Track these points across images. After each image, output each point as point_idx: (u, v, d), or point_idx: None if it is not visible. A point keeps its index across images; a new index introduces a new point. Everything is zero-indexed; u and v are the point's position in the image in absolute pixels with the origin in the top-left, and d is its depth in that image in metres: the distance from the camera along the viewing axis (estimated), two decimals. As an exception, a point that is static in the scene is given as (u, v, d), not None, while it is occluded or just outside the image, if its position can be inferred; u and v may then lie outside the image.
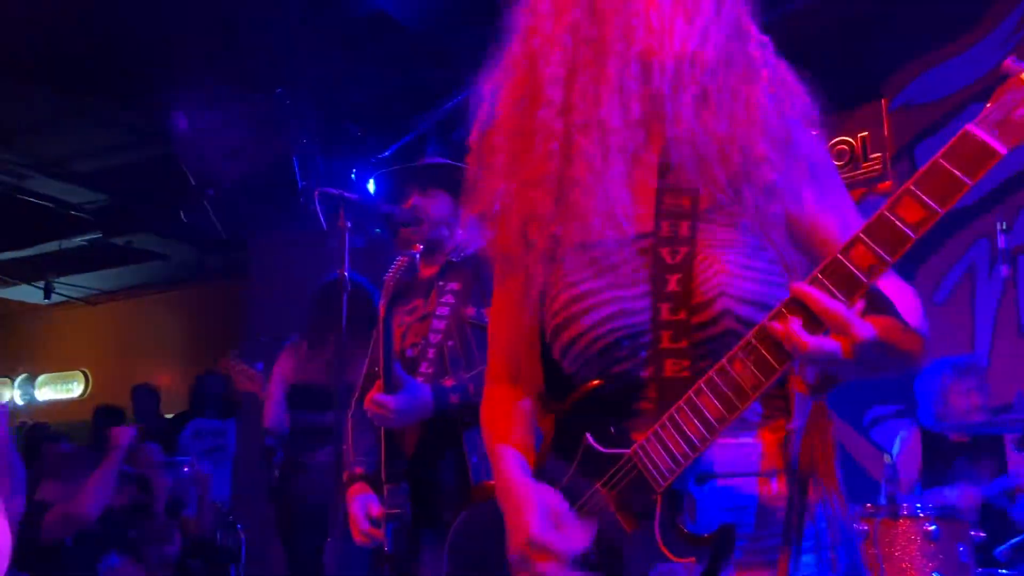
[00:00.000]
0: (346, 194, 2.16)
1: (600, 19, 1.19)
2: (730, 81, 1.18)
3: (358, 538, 2.12)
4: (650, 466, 1.07)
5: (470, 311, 2.15)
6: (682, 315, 1.10)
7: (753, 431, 1.15)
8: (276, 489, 3.96)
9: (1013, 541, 2.82)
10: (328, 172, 4.97)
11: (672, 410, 1.06)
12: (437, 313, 2.17)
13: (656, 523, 1.06)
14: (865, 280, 0.95)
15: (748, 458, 1.13)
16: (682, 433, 1.04)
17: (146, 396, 6.50)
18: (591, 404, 1.15)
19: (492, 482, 1.26)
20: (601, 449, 1.12)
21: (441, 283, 2.22)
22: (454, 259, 2.27)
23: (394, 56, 4.77)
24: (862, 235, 0.96)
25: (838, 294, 0.95)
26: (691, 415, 1.04)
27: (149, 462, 4.39)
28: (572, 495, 1.15)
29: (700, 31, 1.16)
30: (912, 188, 0.95)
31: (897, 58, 4.62)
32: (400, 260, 2.00)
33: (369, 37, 4.65)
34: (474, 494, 1.37)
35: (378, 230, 5.76)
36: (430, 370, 2.13)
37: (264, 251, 6.39)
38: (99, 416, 6.17)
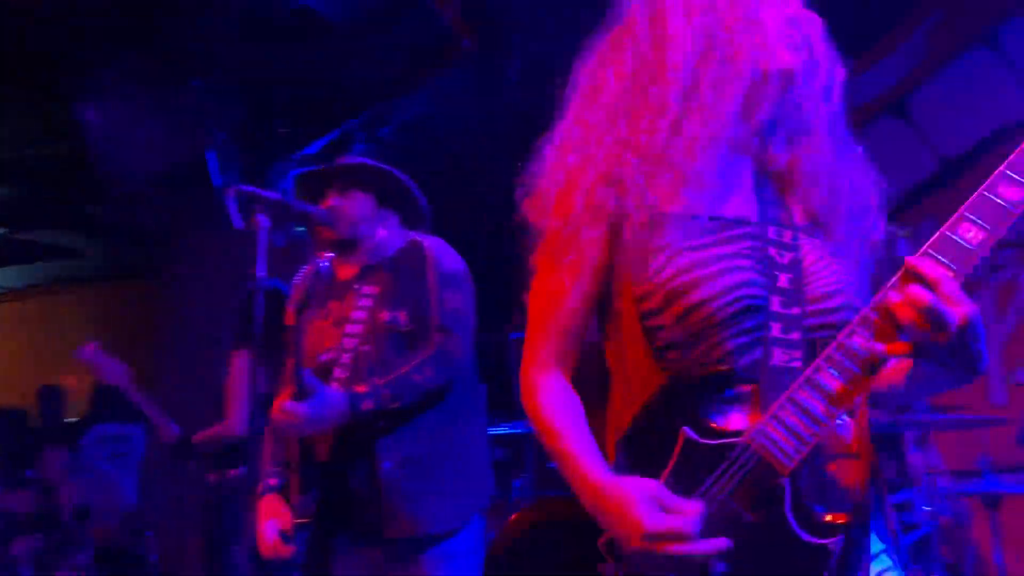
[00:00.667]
0: (262, 192, 2.11)
1: (740, 25, 1.24)
2: (840, 113, 1.29)
3: (266, 553, 2.07)
4: (774, 449, 1.06)
5: (385, 316, 2.12)
6: (795, 310, 1.14)
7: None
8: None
9: (913, 536, 2.95)
10: (248, 169, 4.86)
11: (790, 391, 1.07)
12: (352, 317, 2.14)
13: (787, 507, 1.05)
14: (974, 249, 1.02)
15: (845, 438, 1.16)
16: (805, 411, 1.05)
17: (51, 398, 6.24)
18: (683, 390, 1.13)
19: (545, 498, 1.20)
20: (706, 441, 1.10)
21: (357, 286, 2.20)
22: (372, 262, 2.24)
23: (318, 52, 4.70)
24: (966, 213, 1.03)
25: (950, 264, 1.02)
26: (812, 392, 1.05)
27: (54, 468, 4.22)
28: (675, 491, 1.10)
29: (832, 60, 1.28)
30: (1007, 171, 1.04)
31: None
32: (308, 268, 1.96)
33: (293, 32, 4.57)
34: (526, 515, 1.24)
35: (300, 228, 5.68)
36: (344, 375, 2.09)
37: (181, 250, 6.21)
38: (-1, 419, 5.90)
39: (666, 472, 1.11)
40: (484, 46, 4.83)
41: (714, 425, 1.11)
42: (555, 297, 1.27)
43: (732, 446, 1.09)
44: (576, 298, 1.25)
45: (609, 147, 1.24)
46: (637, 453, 1.14)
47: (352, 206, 2.27)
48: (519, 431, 4.61)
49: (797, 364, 1.11)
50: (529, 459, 4.23)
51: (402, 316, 2.11)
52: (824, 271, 1.19)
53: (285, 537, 2.06)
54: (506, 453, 4.12)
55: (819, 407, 1.05)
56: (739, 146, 1.25)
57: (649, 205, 1.19)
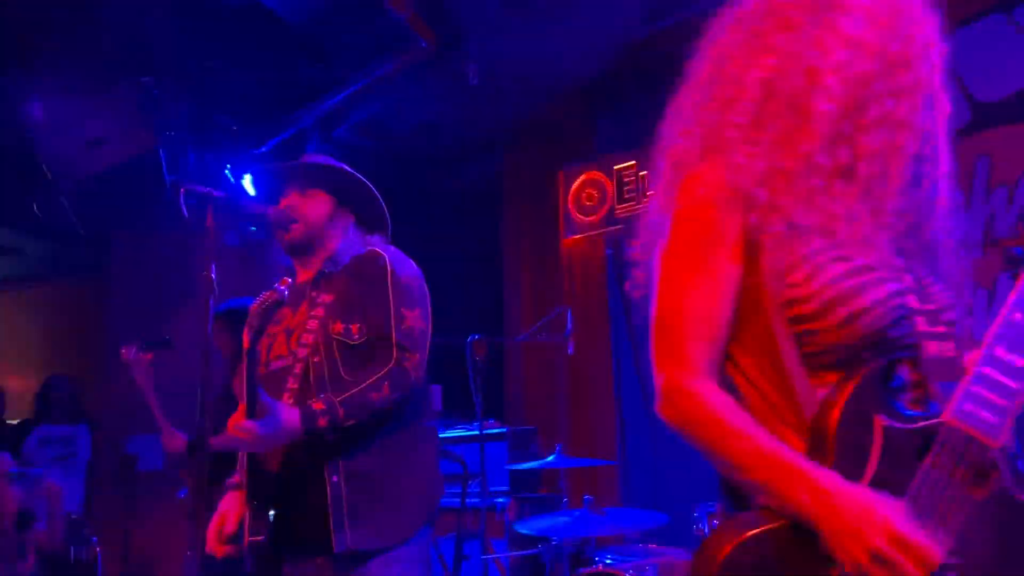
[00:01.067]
0: (214, 192, 2.07)
1: (916, 50, 1.26)
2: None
3: (209, 550, 2.05)
4: (980, 425, 1.07)
5: (338, 327, 2.09)
6: (931, 306, 1.19)
7: None
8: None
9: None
10: (199, 167, 4.78)
11: (977, 367, 1.09)
12: (307, 327, 2.12)
13: (1006, 478, 1.08)
14: None
15: None
16: (997, 385, 1.08)
17: (-8, 400, 6.04)
18: (864, 385, 1.12)
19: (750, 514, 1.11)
20: (905, 426, 1.09)
21: (314, 293, 2.17)
22: (327, 268, 2.21)
23: (271, 49, 4.64)
24: None
25: None
26: (997, 367, 1.08)
27: (-5, 472, 4.11)
28: (889, 486, 1.08)
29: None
30: None
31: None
32: (267, 294, 1.93)
33: (245, 27, 4.50)
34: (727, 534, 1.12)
35: (253, 228, 5.60)
36: (295, 386, 2.07)
37: (127, 249, 6.08)
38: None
39: (872, 464, 1.09)
40: (442, 47, 4.81)
41: (903, 412, 1.12)
42: (706, 305, 1.21)
43: (934, 428, 1.09)
44: (727, 307, 1.21)
45: (753, 153, 1.22)
46: (838, 452, 1.10)
47: (312, 207, 2.24)
48: (474, 432, 4.63)
49: (951, 354, 1.16)
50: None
51: (354, 328, 2.08)
52: (935, 286, 1.24)
53: (228, 538, 2.05)
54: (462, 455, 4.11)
55: (1009, 381, 1.08)
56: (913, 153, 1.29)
57: (788, 215, 1.19)
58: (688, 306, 1.22)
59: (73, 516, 4.69)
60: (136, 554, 4.76)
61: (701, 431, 1.17)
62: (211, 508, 3.77)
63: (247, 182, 4.72)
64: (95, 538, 4.62)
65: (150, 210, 5.19)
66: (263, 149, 5.24)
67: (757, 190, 1.20)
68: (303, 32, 4.56)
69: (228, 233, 5.07)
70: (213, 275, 2.07)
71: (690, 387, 1.19)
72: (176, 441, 3.92)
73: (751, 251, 1.20)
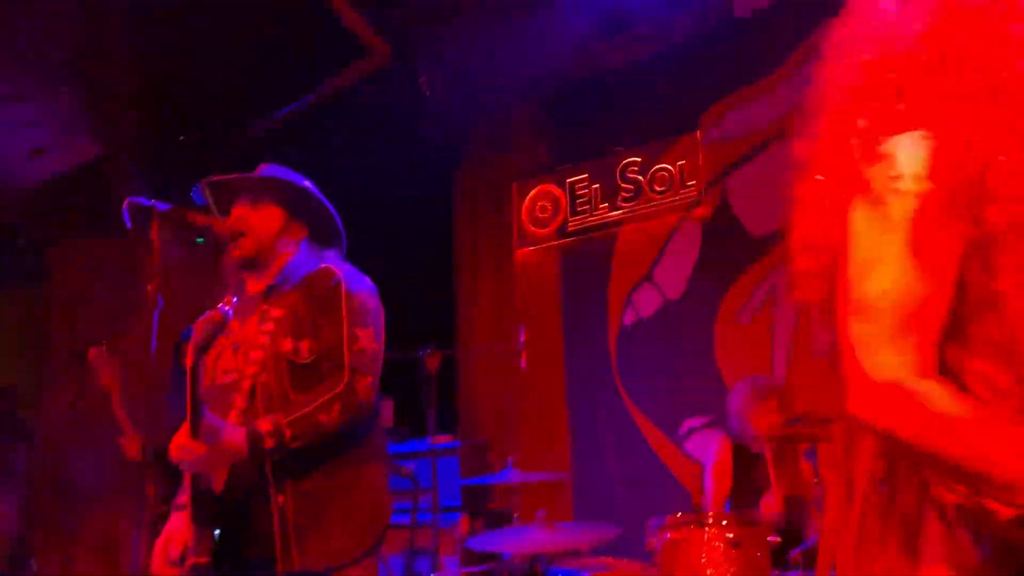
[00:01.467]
0: (158, 205, 2.03)
1: None
2: None
3: (155, 572, 2.00)
4: None
5: (287, 345, 2.06)
6: None
7: None
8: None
9: (804, 545, 3.08)
10: (146, 176, 4.68)
11: None
12: (257, 342, 2.08)
13: None
14: None
15: None
16: None
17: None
18: None
19: None
20: None
21: (264, 307, 2.13)
22: (278, 283, 2.17)
23: (222, 59, 4.58)
24: None
25: None
26: None
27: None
28: None
29: None
30: None
31: (712, 94, 4.97)
32: (211, 313, 1.89)
33: (195, 38, 4.43)
34: None
35: (200, 240, 5.50)
36: (243, 404, 2.03)
37: (68, 258, 5.91)
38: None
39: None
40: (394, 58, 4.80)
41: None
42: (927, 304, 1.08)
43: None
44: (945, 309, 1.09)
45: (980, 132, 1.07)
46: None
47: (261, 219, 2.20)
48: (425, 448, 4.59)
49: None
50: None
51: (304, 347, 2.05)
52: None
53: (172, 563, 2.00)
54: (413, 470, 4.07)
55: None
56: None
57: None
58: (898, 302, 1.08)
59: (8, 536, 4.53)
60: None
61: (929, 430, 1.06)
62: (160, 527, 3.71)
63: (194, 192, 4.63)
64: (32, 559, 4.47)
65: (96, 218, 5.08)
66: (212, 160, 5.15)
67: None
68: (255, 42, 4.50)
69: (174, 245, 4.96)
70: (161, 288, 2.03)
71: (921, 386, 1.06)
72: (135, 447, 3.81)
73: (982, 241, 1.07)
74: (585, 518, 4.63)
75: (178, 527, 2.08)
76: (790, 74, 4.67)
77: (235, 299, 1.99)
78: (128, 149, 4.60)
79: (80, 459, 3.98)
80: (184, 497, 2.13)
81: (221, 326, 1.88)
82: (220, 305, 1.88)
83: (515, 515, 3.76)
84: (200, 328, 1.85)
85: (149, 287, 1.95)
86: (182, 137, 5.00)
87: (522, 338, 4.39)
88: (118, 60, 4.37)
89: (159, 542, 2.05)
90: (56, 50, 4.14)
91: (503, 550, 3.43)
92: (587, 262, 5.38)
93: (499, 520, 4.42)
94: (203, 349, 1.89)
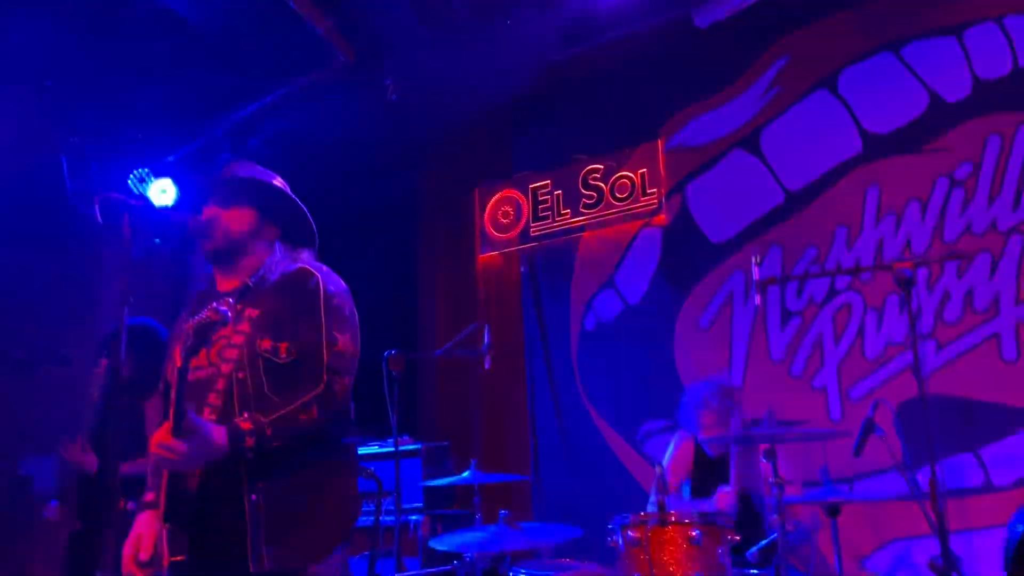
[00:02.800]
0: (131, 200, 2.01)
1: None
2: None
3: (125, 571, 1.98)
4: None
5: (266, 344, 2.05)
6: None
7: None
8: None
9: (762, 543, 3.15)
10: (101, 175, 4.60)
11: None
12: (232, 341, 2.07)
13: None
14: None
15: None
16: None
17: None
18: None
19: None
20: None
21: (239, 307, 2.11)
22: (252, 282, 2.17)
23: (183, 57, 4.52)
24: None
25: None
26: None
27: None
28: None
29: None
30: None
31: (672, 104, 5.07)
32: (208, 313, 1.84)
33: (153, 33, 4.37)
34: None
35: (157, 240, 5.41)
36: (219, 402, 2.02)
37: (18, 262, 5.74)
38: None
39: None
40: (359, 61, 4.80)
41: None
42: None
43: None
44: None
45: None
46: None
47: (233, 220, 2.20)
48: (389, 449, 4.58)
49: None
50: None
51: (283, 347, 2.05)
52: None
53: (142, 564, 1.98)
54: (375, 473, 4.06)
55: None
56: None
57: None
58: None
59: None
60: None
61: None
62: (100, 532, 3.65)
63: (152, 191, 4.57)
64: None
65: (44, 219, 4.96)
66: (171, 158, 5.09)
67: None
68: (217, 43, 4.47)
69: (132, 244, 4.88)
70: (126, 283, 2.01)
71: None
72: (89, 459, 3.76)
73: None
74: (546, 519, 4.67)
75: (146, 527, 2.05)
76: (749, 84, 4.79)
77: (231, 300, 1.97)
78: (84, 146, 4.51)
79: (32, 464, 3.90)
80: (151, 496, 2.11)
81: (222, 326, 1.86)
82: (215, 305, 1.85)
83: (477, 516, 3.77)
84: (193, 328, 1.83)
85: (119, 282, 1.93)
86: (140, 136, 4.93)
87: (487, 339, 4.41)
88: (76, 57, 4.29)
89: (128, 543, 2.02)
90: (9, 44, 4.06)
91: (466, 551, 3.45)
92: (549, 267, 5.44)
93: (461, 522, 4.43)
94: (195, 350, 1.86)
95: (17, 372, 4.12)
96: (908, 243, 4.20)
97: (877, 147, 4.36)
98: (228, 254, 2.19)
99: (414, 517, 4.52)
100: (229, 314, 1.85)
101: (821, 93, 4.57)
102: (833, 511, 3.04)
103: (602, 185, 5.26)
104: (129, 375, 3.95)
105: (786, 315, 4.49)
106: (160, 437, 1.85)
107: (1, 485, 4.61)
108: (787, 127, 4.65)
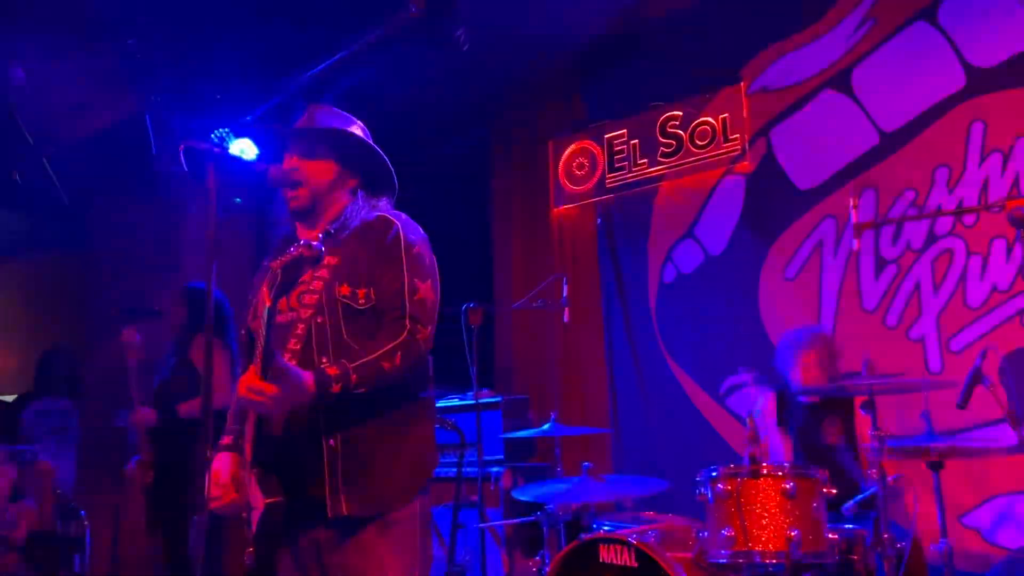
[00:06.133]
0: (215, 148, 2.00)
1: None
2: None
3: (210, 504, 2.02)
4: None
5: (344, 290, 2.04)
6: None
7: None
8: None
9: (857, 498, 3.05)
10: (185, 134, 4.67)
11: None
12: (311, 287, 2.06)
13: None
14: None
15: None
16: None
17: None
18: None
19: None
20: None
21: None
22: (333, 229, 2.15)
23: (256, 13, 4.53)
24: None
25: None
26: None
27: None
28: None
29: None
30: None
31: (754, 44, 4.84)
32: (297, 250, 1.80)
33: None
34: None
35: (238, 200, 5.50)
36: (297, 346, 2.02)
37: (106, 219, 5.93)
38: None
39: None
40: (431, 12, 4.72)
41: None
42: None
43: None
44: None
45: None
46: None
47: (314, 171, 2.18)
48: (468, 402, 4.60)
49: None
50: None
51: (361, 293, 2.04)
52: None
53: (224, 487, 2.03)
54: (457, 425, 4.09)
55: None
56: None
57: None
58: None
59: (63, 492, 4.63)
60: (127, 528, 4.71)
61: None
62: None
63: (236, 148, 4.62)
64: (84, 512, 4.57)
65: (134, 179, 5.08)
66: (249, 117, 5.13)
67: None
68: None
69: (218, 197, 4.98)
70: (216, 235, 2.01)
71: None
72: (144, 416, 3.95)
73: None
74: (625, 471, 4.63)
75: (223, 465, 2.09)
76: (839, 19, 4.54)
77: (321, 235, 1.95)
78: (167, 104, 4.58)
79: (126, 416, 4.05)
80: (228, 439, 2.14)
81: (310, 263, 1.84)
82: (309, 241, 1.82)
83: (558, 468, 3.76)
84: (282, 265, 1.80)
85: (208, 232, 1.93)
86: (219, 96, 4.98)
87: (565, 292, 4.35)
88: (155, 16, 4.33)
89: (210, 478, 2.05)
90: (94, 4, 4.11)
91: (549, 501, 3.44)
92: (626, 219, 5.32)
93: (541, 474, 4.43)
94: (285, 288, 1.84)
95: (111, 327, 4.26)
96: (1016, 182, 3.94)
97: (982, 81, 4.07)
98: (312, 208, 2.18)
99: (495, 468, 4.54)
100: (322, 248, 1.83)
101: (920, 25, 4.28)
102: (936, 465, 2.91)
103: (681, 132, 5.09)
104: (179, 329, 4.08)
105: (880, 263, 4.29)
106: (249, 380, 1.85)
107: (101, 435, 4.82)
108: (882, 63, 4.38)
